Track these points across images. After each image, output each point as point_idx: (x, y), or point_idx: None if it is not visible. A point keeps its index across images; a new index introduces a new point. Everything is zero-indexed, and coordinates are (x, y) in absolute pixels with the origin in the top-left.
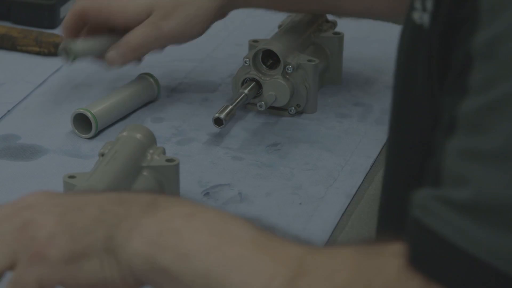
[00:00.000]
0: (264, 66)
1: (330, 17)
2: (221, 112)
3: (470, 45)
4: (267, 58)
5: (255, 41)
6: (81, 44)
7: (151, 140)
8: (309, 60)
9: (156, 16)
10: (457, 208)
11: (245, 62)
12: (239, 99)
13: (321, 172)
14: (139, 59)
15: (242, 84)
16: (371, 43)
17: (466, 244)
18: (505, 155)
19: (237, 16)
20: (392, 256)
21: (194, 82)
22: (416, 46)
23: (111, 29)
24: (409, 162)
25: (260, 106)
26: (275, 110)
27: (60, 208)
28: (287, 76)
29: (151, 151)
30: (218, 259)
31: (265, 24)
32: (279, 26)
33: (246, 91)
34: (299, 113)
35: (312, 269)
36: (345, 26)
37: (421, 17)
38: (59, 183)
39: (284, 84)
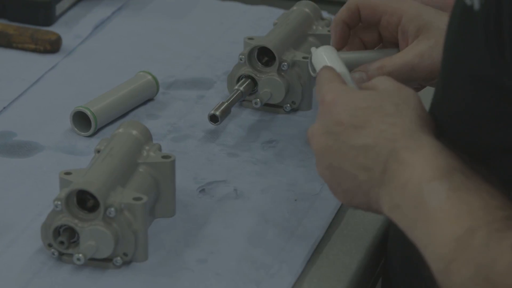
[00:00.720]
0: (259, 63)
1: (325, 14)
2: (217, 109)
3: None
4: (263, 55)
5: (251, 38)
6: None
7: (147, 136)
8: (304, 57)
9: (426, 40)
10: None
11: (241, 59)
12: (234, 96)
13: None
14: None
15: (238, 81)
16: None
17: None
18: None
19: (233, 13)
20: None
21: (190, 80)
22: (465, 27)
23: (382, 41)
24: (452, 140)
25: (256, 103)
26: (270, 107)
27: (328, 156)
28: (282, 74)
29: (147, 147)
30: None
31: (260, 22)
32: (275, 24)
33: (241, 88)
34: (294, 110)
35: (469, 254)
36: None
37: None
38: (55, 179)
39: (279, 81)
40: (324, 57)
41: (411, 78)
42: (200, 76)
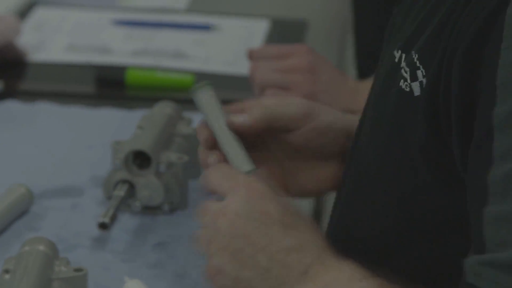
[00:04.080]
0: (135, 167)
1: (187, 114)
2: (104, 216)
3: (490, 118)
4: (135, 158)
5: (118, 143)
6: None
7: (54, 251)
8: (179, 158)
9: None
10: (503, 269)
11: (116, 165)
12: (117, 201)
13: None
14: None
15: (115, 186)
16: None
17: None
18: None
19: (78, 118)
20: None
21: (58, 188)
22: (404, 110)
23: None
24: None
25: (135, 207)
26: (149, 209)
27: (241, 241)
28: (160, 175)
29: (57, 262)
30: None
31: (108, 125)
32: (139, 127)
33: (121, 193)
34: (172, 210)
35: None
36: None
37: (409, 85)
38: None
39: (157, 183)
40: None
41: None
42: (68, 183)
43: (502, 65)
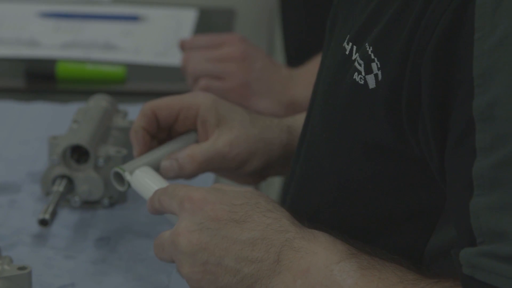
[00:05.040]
0: (73, 162)
1: (120, 106)
2: (45, 212)
3: (469, 111)
4: (73, 153)
5: (55, 138)
6: (137, 163)
7: None
8: (117, 151)
9: (229, 130)
10: (505, 261)
11: (54, 160)
12: (56, 197)
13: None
14: (195, 175)
15: (53, 181)
16: None
17: None
18: None
19: (8, 113)
20: None
21: None
22: (358, 102)
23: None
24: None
25: (75, 202)
26: (88, 204)
27: (203, 254)
28: (98, 169)
29: (0, 261)
30: None
31: (41, 119)
32: (74, 121)
33: (60, 188)
34: (112, 204)
35: None
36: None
37: (363, 78)
38: None
39: (97, 177)
40: (147, 181)
41: (221, 167)
42: (4, 180)
43: (476, 56)
